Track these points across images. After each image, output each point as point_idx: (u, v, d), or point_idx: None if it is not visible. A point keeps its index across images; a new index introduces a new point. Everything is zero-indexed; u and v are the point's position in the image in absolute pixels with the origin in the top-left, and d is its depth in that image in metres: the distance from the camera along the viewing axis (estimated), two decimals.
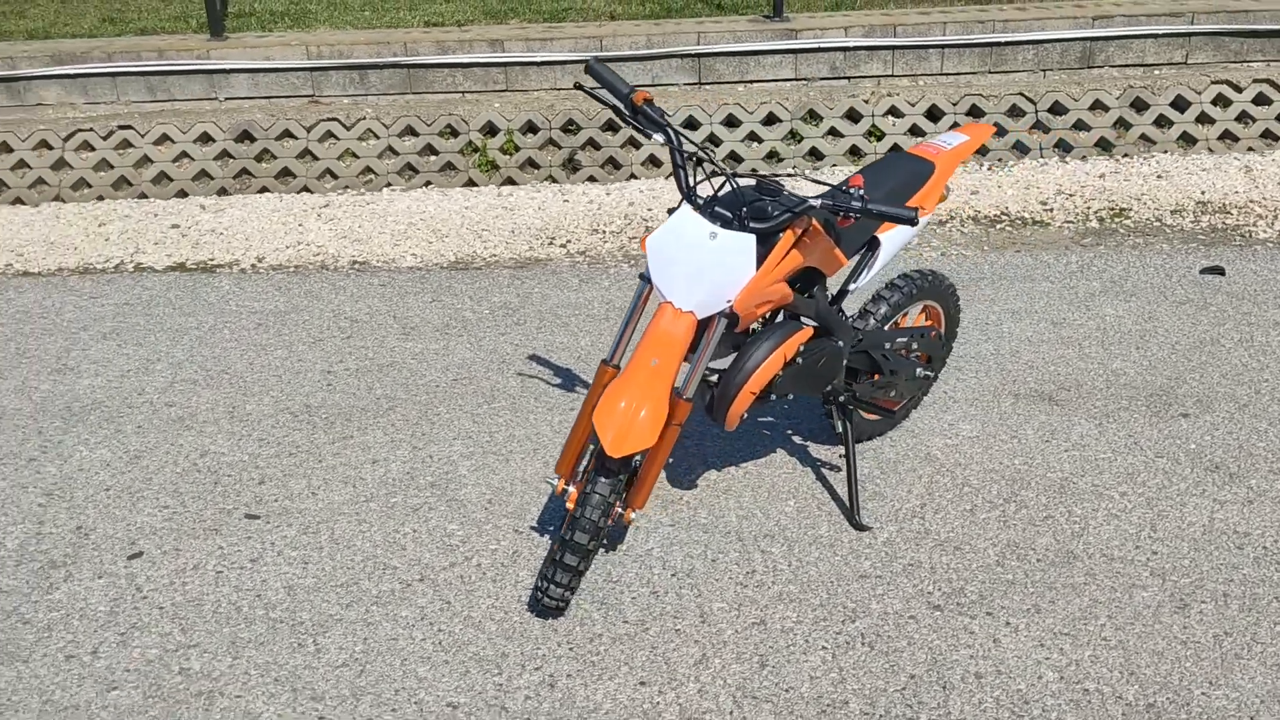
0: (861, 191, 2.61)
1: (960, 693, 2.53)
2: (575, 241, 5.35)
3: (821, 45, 6.64)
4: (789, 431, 3.61)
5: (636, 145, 6.19)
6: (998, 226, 5.35)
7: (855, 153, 6.18)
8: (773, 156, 6.17)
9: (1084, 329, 4.24)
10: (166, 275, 5.13)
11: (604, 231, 5.45)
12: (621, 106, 2.74)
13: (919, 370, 3.36)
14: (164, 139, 6.34)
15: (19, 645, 2.77)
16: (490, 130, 6.30)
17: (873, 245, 3.07)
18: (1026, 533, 3.08)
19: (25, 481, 3.48)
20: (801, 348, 2.88)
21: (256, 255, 5.33)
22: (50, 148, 6.31)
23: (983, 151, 6.18)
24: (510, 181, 6.14)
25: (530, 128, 6.26)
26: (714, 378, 2.90)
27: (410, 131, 6.32)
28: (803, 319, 2.98)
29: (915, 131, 6.27)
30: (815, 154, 6.19)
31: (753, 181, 2.68)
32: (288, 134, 6.35)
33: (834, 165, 6.11)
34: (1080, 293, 4.56)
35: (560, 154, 6.20)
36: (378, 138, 6.30)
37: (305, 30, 7.22)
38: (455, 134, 6.27)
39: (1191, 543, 3.02)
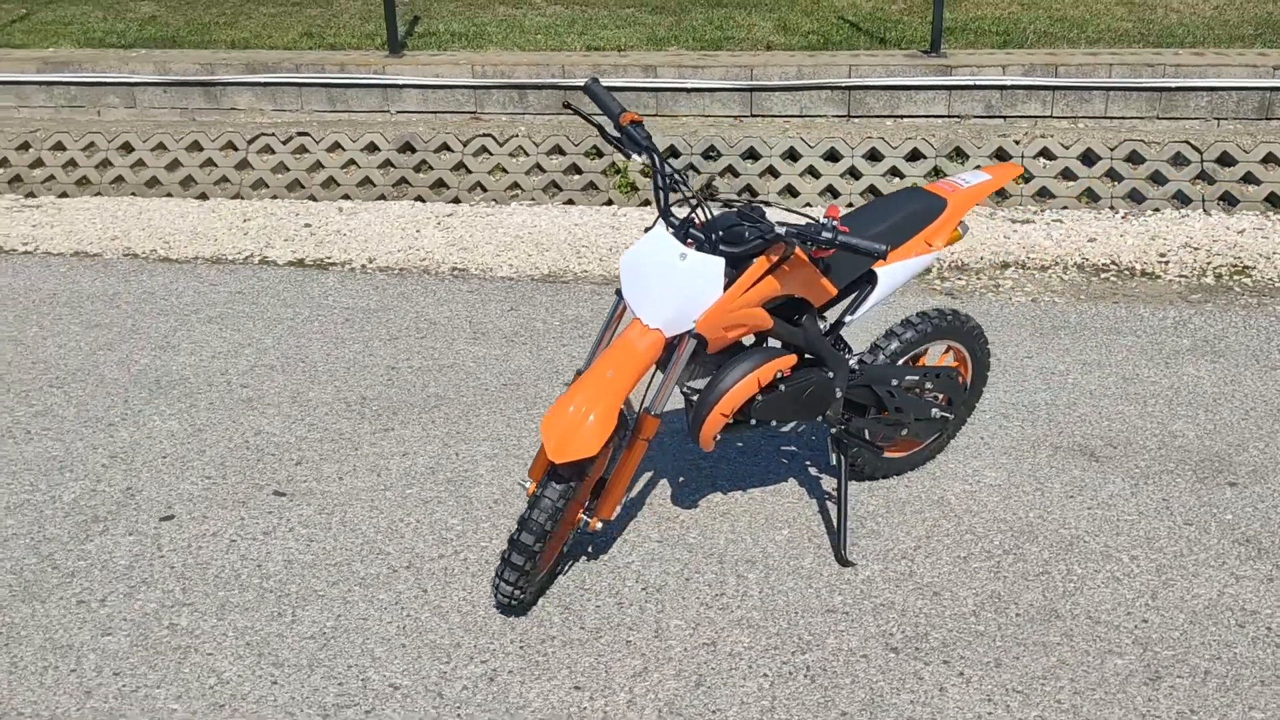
0: (835, 223, 2.62)
1: None
2: None
3: (976, 83, 6.53)
4: (806, 462, 3.60)
5: (775, 174, 6.21)
6: (1102, 276, 5.14)
7: (1001, 194, 6.03)
8: None
9: (1155, 387, 4.04)
10: (284, 269, 5.50)
11: None
12: (607, 126, 2.82)
13: (934, 411, 3.30)
14: (336, 146, 6.76)
15: (41, 587, 3.06)
16: None
17: (870, 278, 3.04)
18: (1015, 586, 2.98)
19: (98, 444, 3.82)
20: (780, 374, 2.89)
21: (369, 256, 5.65)
22: (235, 149, 6.82)
23: (1137, 198, 5.92)
24: (647, 203, 6.27)
25: (673, 152, 6.36)
26: (695, 397, 2.94)
27: (558, 150, 6.50)
28: (787, 346, 2.98)
29: (1067, 175, 6.06)
30: None
31: (750, 208, 2.73)
32: (445, 147, 6.65)
33: (979, 205, 5.97)
34: (1165, 350, 4.34)
35: (698, 179, 6.29)
36: (527, 155, 6.51)
37: (476, 50, 7.58)
38: (600, 155, 6.44)
39: (1189, 615, 2.86)
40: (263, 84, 7.35)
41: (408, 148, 6.68)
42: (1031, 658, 2.72)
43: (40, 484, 3.57)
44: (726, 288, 2.70)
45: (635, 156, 2.80)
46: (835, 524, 3.23)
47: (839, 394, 3.08)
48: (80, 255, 5.76)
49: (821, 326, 3.06)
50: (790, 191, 6.22)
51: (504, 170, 6.50)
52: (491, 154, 6.58)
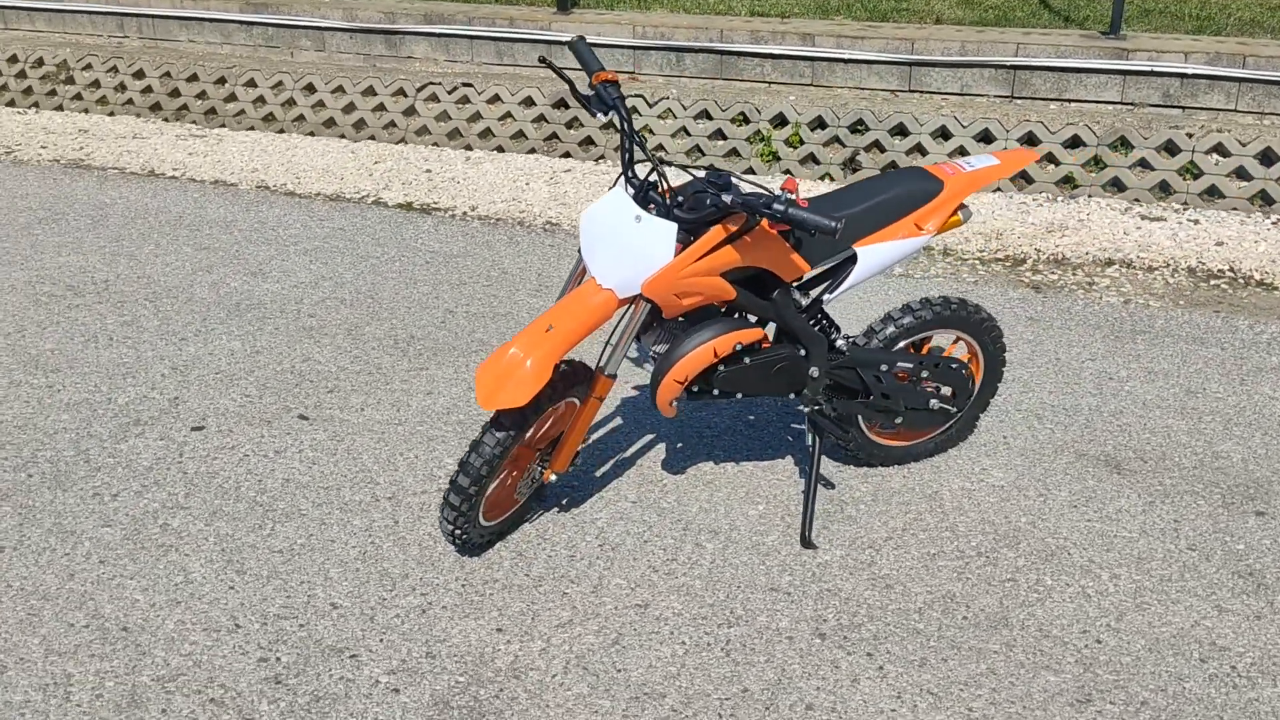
0: (790, 196, 2.58)
1: (778, 717, 2.47)
2: None
3: (1154, 69, 6.15)
4: (809, 441, 3.54)
5: (923, 152, 6.05)
6: (1211, 282, 4.80)
7: (1165, 189, 5.68)
8: (1068, 182, 5.81)
9: (1219, 404, 3.77)
10: (390, 211, 5.75)
11: None
12: (575, 84, 2.84)
13: (933, 403, 3.20)
14: (496, 99, 6.95)
15: (69, 478, 3.37)
16: (780, 121, 6.35)
17: (852, 257, 2.97)
18: (973, 590, 2.88)
19: (165, 355, 4.14)
20: (740, 346, 2.87)
21: (472, 205, 5.84)
22: (405, 95, 7.11)
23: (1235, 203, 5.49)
24: (787, 174, 6.22)
25: (820, 123, 6.28)
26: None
27: (705, 115, 6.51)
28: (753, 319, 2.95)
29: (1241, 175, 5.65)
30: (1117, 185, 5.74)
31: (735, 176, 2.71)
32: None
33: (1136, 200, 5.65)
34: (1246, 366, 4.04)
35: (843, 152, 6.19)
36: (675, 117, 6.55)
37: (642, 10, 7.65)
38: (746, 121, 6.41)
39: (1150, 642, 2.70)
40: (438, 35, 7.63)
41: (562, 104, 6.79)
42: (960, 662, 2.63)
43: (103, 386, 3.90)
44: (680, 254, 2.70)
45: (600, 115, 2.81)
46: (825, 506, 3.18)
47: (816, 373, 3.03)
48: (219, 184, 6.18)
49: (803, 304, 3.01)
50: None
51: (650, 131, 6.53)
52: (640, 114, 6.60)
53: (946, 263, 5.01)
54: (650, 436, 3.58)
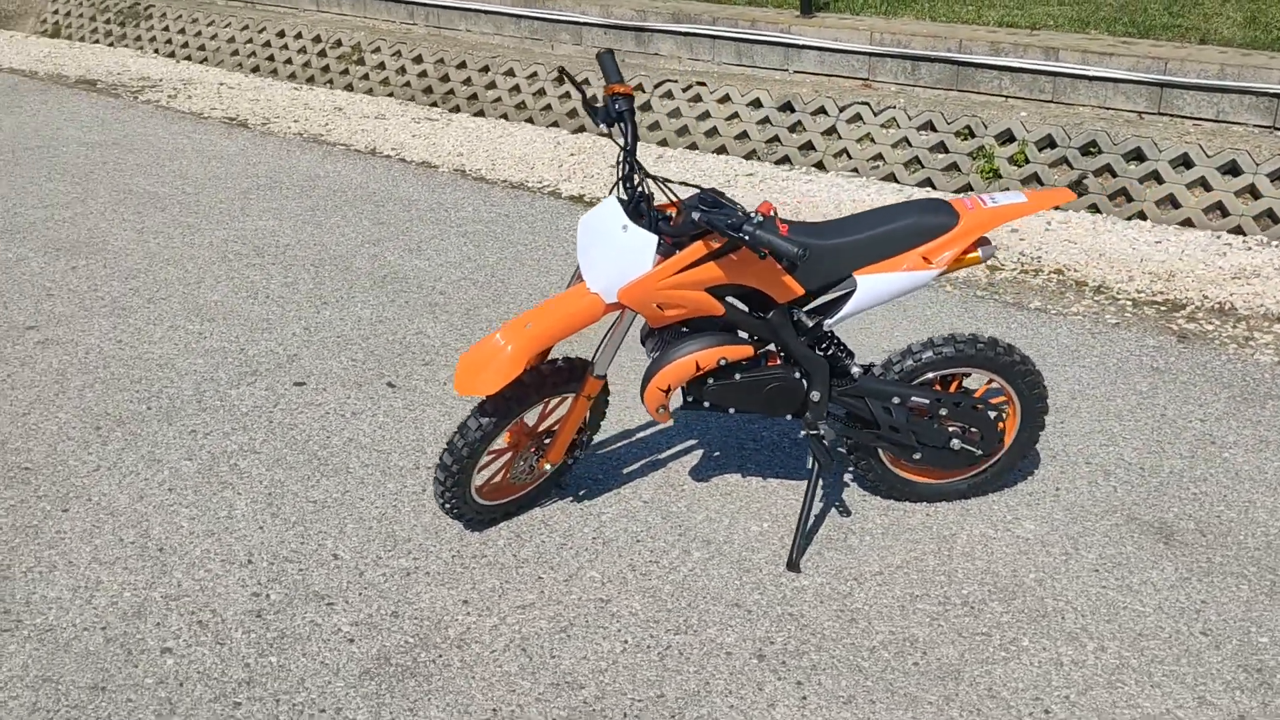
0: (760, 218, 2.61)
1: None
2: None
3: None
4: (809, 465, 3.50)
5: (1159, 180, 5.70)
6: None
7: None
8: None
9: None
10: (561, 202, 6.05)
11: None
12: (586, 95, 2.96)
13: (955, 443, 3.11)
14: (725, 98, 7.10)
15: (177, 414, 3.84)
16: (1008, 138, 6.14)
17: (852, 286, 2.93)
18: (939, 638, 2.79)
19: (304, 316, 4.60)
20: (724, 361, 2.91)
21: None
22: (643, 91, 7.35)
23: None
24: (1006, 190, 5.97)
25: (1049, 142, 6.04)
26: None
27: (929, 127, 6.39)
28: (746, 337, 2.97)
29: None
30: None
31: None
32: (822, 110, 6.74)
33: None
34: None
35: (1069, 175, 5.97)
36: (898, 127, 6.45)
37: (885, 16, 7.59)
38: (971, 135, 6.26)
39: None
40: (683, 33, 7.89)
41: (788, 107, 6.85)
42: (887, 707, 2.58)
43: (241, 338, 4.39)
44: (658, 265, 2.77)
45: (603, 125, 2.91)
46: (832, 533, 3.16)
47: (816, 398, 3.01)
48: (424, 165, 6.69)
49: (807, 326, 2.99)
50: (1171, 202, 5.64)
51: (871, 140, 6.48)
52: (864, 122, 6.54)
53: (1094, 300, 4.73)
54: (691, 443, 3.65)
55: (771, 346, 3.04)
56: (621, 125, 2.89)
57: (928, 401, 3.05)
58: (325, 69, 8.76)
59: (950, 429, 3.11)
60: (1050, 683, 2.63)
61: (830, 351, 3.06)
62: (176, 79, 9.04)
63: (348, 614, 2.86)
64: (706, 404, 3.02)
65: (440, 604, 2.90)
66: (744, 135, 6.84)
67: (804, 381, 3.00)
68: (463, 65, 8.12)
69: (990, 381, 3.15)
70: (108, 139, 7.18)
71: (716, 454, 3.59)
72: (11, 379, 4.04)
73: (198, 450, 3.60)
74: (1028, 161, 5.99)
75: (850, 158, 6.45)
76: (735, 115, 6.96)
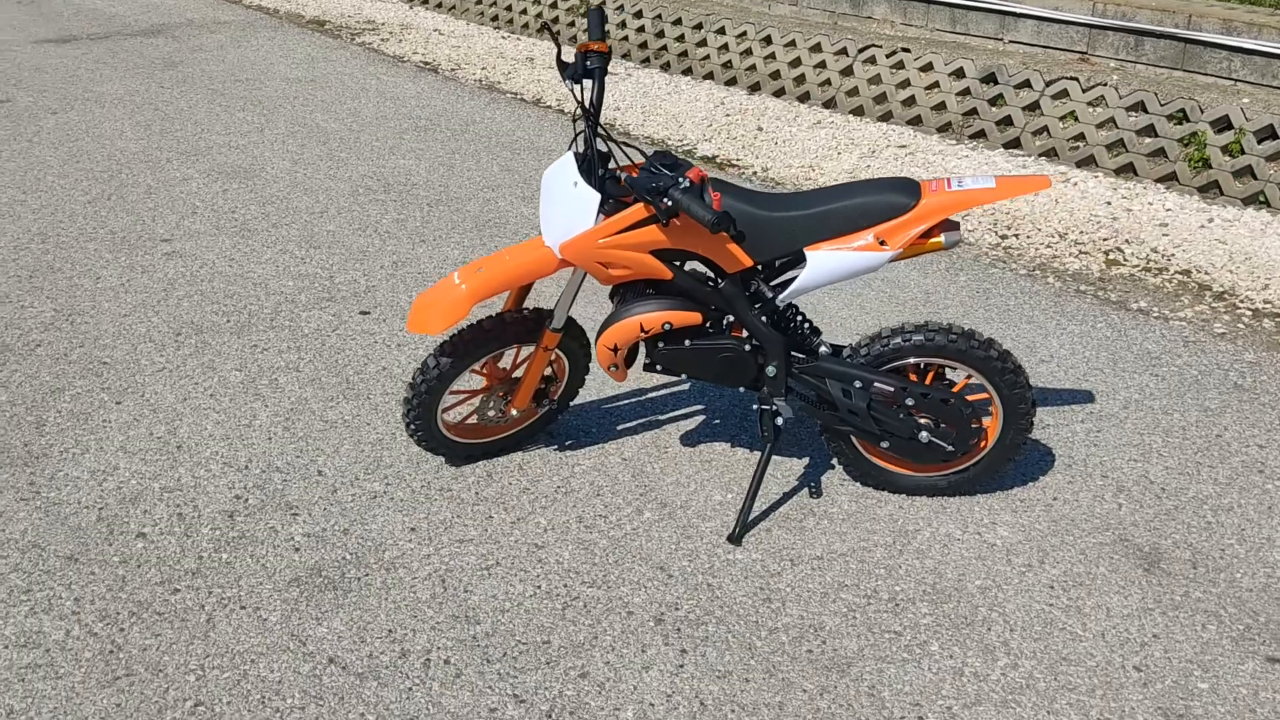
0: (686, 183, 2.60)
1: (549, 673, 2.59)
2: (1029, 247, 5.02)
3: None
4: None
5: None
6: None
7: None
8: None
9: None
10: (693, 161, 6.07)
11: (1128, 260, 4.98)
12: (560, 51, 2.98)
13: (922, 434, 2.99)
14: (928, 67, 6.82)
15: (248, 330, 4.19)
16: (1224, 125, 5.62)
17: (801, 260, 2.85)
18: (846, 629, 2.72)
19: (398, 251, 4.88)
20: (668, 326, 2.91)
21: (765, 165, 5.98)
22: (846, 55, 7.17)
23: None
24: (1213, 188, 5.43)
25: (1270, 133, 5.43)
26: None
27: (1140, 108, 5.90)
28: (694, 305, 2.95)
29: None
30: None
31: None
32: (1027, 84, 6.32)
33: None
34: None
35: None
36: (1106, 105, 5.99)
37: None
38: (1185, 120, 5.72)
39: None
40: None
41: (991, 79, 6.51)
42: (758, 686, 2.55)
43: (334, 267, 4.72)
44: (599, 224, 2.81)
45: (569, 82, 2.94)
46: (795, 511, 3.13)
47: (773, 372, 2.97)
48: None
49: (767, 297, 2.94)
50: None
51: (1075, 118, 6.08)
52: (1070, 98, 6.12)
53: (1210, 307, 4.35)
54: (696, 408, 3.66)
55: (733, 317, 3.00)
56: (594, 81, 2.91)
57: (892, 389, 2.93)
58: (555, 20, 8.96)
59: (921, 420, 2.98)
60: (939, 691, 2.52)
61: (791, 327, 2.99)
62: (397, 23, 9.60)
63: (305, 526, 3.08)
64: (659, 368, 3.02)
65: (390, 528, 3.07)
66: (941, 106, 6.57)
67: (757, 355, 2.96)
68: (678, 22, 8.14)
69: (969, 377, 2.99)
70: (307, 76, 7.75)
71: (716, 422, 3.58)
72: (129, 284, 4.52)
73: (249, 363, 3.92)
74: (1243, 153, 5.45)
75: (1050, 136, 6.07)
76: (935, 84, 6.68)
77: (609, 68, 2.80)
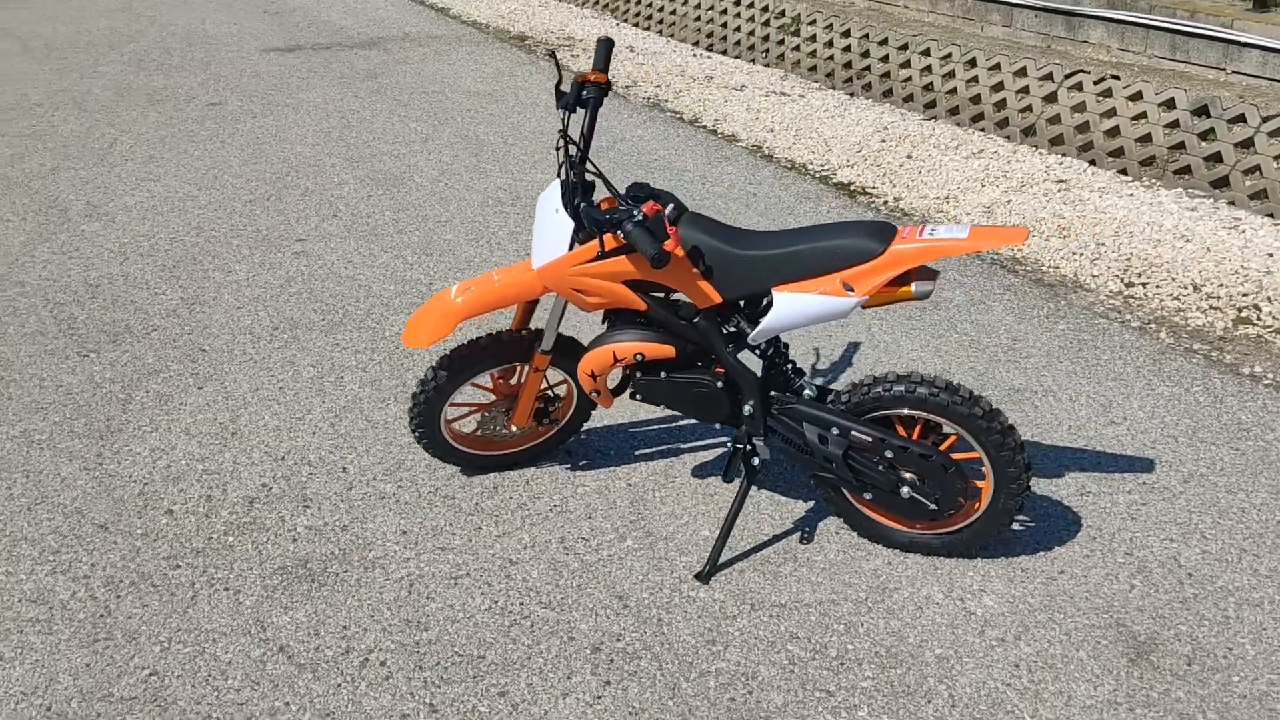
0: (639, 216, 2.62)
1: (504, 711, 2.66)
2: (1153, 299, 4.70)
3: None
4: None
5: None
6: None
7: None
8: None
9: None
10: (811, 184, 5.98)
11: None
12: (560, 79, 3.02)
13: (903, 490, 2.88)
14: (1137, 96, 6.41)
15: (332, 322, 4.46)
16: None
17: (769, 299, 2.78)
18: (778, 681, 2.64)
19: (501, 262, 5.06)
20: (640, 358, 2.91)
21: (897, 195, 5.82)
22: (1051, 80, 6.81)
23: None
24: None
25: None
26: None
27: None
28: (670, 337, 2.93)
29: None
30: None
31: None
32: (1241, 119, 5.88)
33: None
34: None
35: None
36: None
37: None
38: None
39: None
40: (1115, 20, 7.35)
41: (1203, 111, 6.05)
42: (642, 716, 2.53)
43: (434, 274, 4.94)
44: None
45: (562, 111, 2.97)
46: (777, 554, 3.07)
47: (749, 410, 2.93)
48: (728, 138, 6.89)
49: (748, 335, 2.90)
50: None
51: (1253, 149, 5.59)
52: (1245, 123, 5.67)
53: None
54: (719, 440, 3.62)
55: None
56: (587, 111, 2.95)
57: (870, 439, 2.82)
58: (765, 39, 8.94)
59: (905, 474, 2.86)
60: None
61: (773, 367, 2.93)
62: (594, 39, 9.88)
63: (311, 519, 3.27)
64: (639, 397, 3.03)
65: (384, 529, 3.22)
66: (1146, 138, 6.17)
67: (733, 392, 2.91)
68: (884, 42, 7.98)
69: (956, 434, 2.83)
70: (488, 90, 8.11)
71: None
72: (253, 279, 4.90)
73: (324, 360, 4.17)
74: None
75: (1262, 176, 5.58)
76: (1143, 115, 6.28)
77: (604, 99, 2.83)
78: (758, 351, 2.94)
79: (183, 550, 3.13)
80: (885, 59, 7.84)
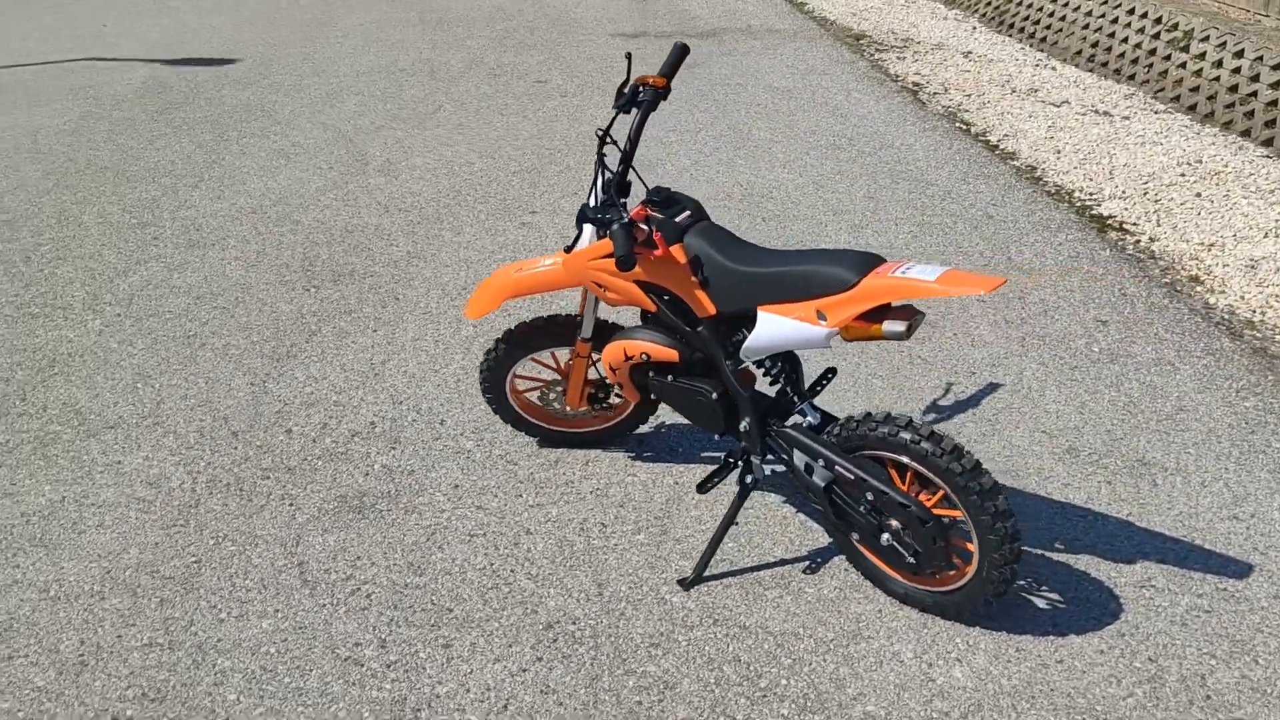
0: (625, 219, 2.71)
1: (437, 660, 2.89)
2: None
3: None
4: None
5: None
6: None
7: None
8: None
9: None
10: (1058, 211, 5.58)
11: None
12: (626, 80, 3.06)
13: (884, 536, 2.78)
14: None
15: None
16: None
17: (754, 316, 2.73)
18: (692, 698, 2.64)
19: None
20: (646, 357, 2.98)
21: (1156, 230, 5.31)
22: None
23: None
24: None
25: None
26: None
27: None
28: (677, 343, 2.96)
29: None
30: None
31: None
32: None
33: None
34: None
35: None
36: None
37: None
38: None
39: None
40: None
41: None
42: (550, 701, 2.63)
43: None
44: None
45: (614, 109, 3.03)
46: (759, 571, 3.05)
47: (745, 426, 2.92)
48: (1002, 154, 6.56)
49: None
50: None
51: None
52: None
53: None
54: None
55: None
56: (640, 112, 3.03)
57: (853, 477, 2.73)
58: (1152, 52, 8.31)
59: (888, 520, 2.74)
60: None
61: (778, 386, 2.89)
62: (933, 43, 9.62)
63: (389, 459, 3.62)
64: (653, 395, 3.09)
65: (442, 480, 3.50)
66: None
67: (730, 406, 2.91)
68: (1278, 68, 7.25)
69: (940, 491, 2.67)
70: (791, 87, 8.17)
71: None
72: (472, 243, 5.35)
73: (486, 322, 4.52)
74: None
75: None
76: None
77: (659, 103, 2.92)
78: (761, 370, 2.90)
79: (278, 466, 3.58)
80: (1276, 85, 6.99)
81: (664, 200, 2.82)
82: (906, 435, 2.60)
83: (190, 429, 3.79)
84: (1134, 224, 5.44)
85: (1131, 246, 5.20)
